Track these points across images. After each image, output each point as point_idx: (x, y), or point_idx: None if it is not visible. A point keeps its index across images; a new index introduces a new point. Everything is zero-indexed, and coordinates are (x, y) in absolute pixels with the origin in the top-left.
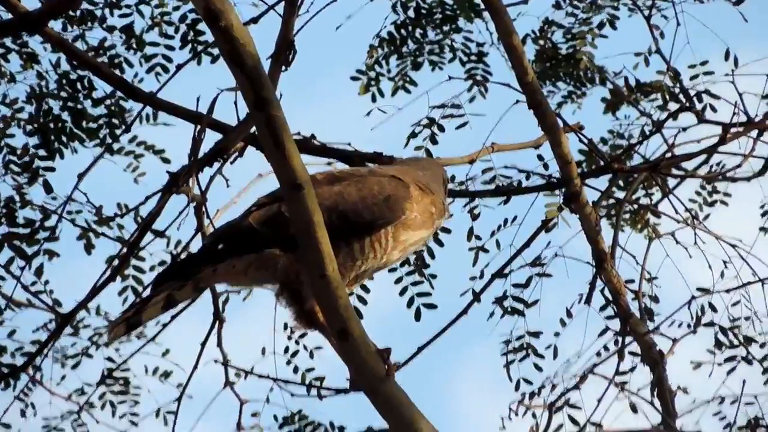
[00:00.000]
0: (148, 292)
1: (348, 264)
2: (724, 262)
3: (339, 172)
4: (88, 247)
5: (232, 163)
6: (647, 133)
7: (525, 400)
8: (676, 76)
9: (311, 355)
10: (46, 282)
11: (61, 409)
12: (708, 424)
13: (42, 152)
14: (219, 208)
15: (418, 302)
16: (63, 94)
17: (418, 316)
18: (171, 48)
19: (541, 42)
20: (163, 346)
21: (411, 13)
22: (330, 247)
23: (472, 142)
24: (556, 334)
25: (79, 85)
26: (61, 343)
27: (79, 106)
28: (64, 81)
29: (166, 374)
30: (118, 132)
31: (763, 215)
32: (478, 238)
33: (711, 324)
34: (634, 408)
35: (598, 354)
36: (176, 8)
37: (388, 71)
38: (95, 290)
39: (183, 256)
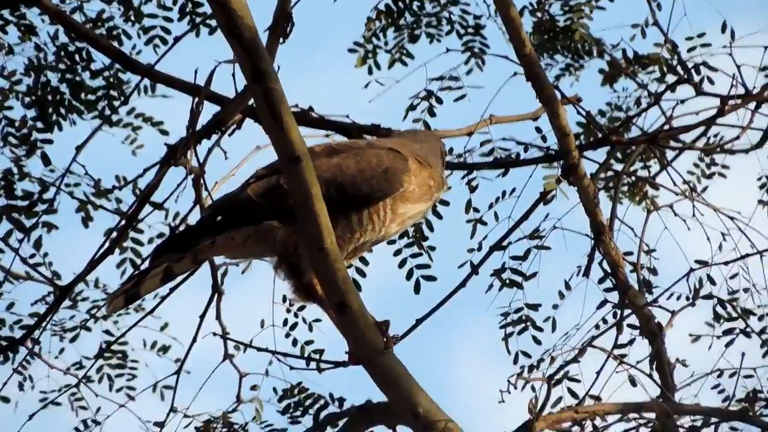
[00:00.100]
0: (146, 264)
1: (346, 236)
2: (723, 235)
3: (337, 145)
4: (87, 220)
5: (230, 135)
6: (645, 105)
7: (524, 373)
8: (673, 48)
9: (310, 328)
10: (45, 254)
11: (59, 383)
12: (707, 396)
13: (40, 124)
14: (217, 181)
15: (417, 274)
16: (61, 66)
17: (417, 289)
18: (169, 20)
19: (539, 14)
20: (161, 319)
21: None
22: (328, 220)
23: (470, 114)
24: (555, 307)
25: (77, 57)
26: (59, 316)
27: (77, 79)
28: (62, 53)
29: (165, 348)
30: (116, 104)
31: (761, 187)
32: (476, 210)
33: (709, 296)
34: (632, 381)
35: (597, 327)
36: None
37: (386, 44)
38: (93, 263)
39: (181, 228)
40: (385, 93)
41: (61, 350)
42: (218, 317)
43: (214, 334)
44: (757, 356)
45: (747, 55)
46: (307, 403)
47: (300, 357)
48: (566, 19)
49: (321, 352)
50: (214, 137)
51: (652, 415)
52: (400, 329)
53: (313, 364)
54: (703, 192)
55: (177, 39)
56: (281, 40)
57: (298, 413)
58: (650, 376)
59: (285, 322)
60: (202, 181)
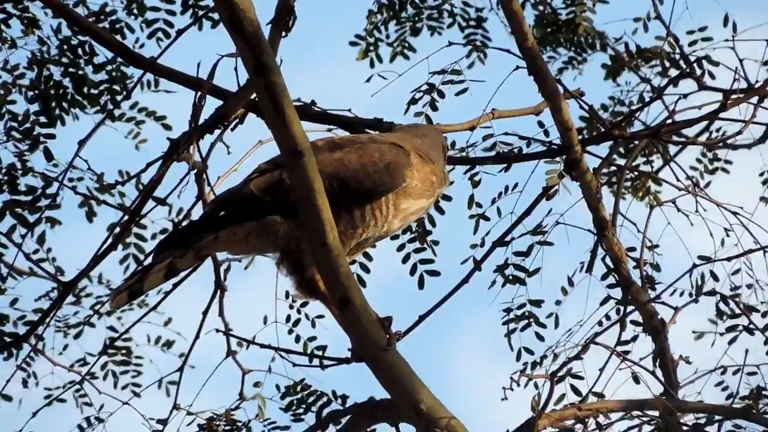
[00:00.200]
0: (149, 260)
1: (349, 232)
2: (726, 230)
3: (339, 139)
4: (90, 215)
5: (232, 129)
6: (647, 99)
7: (526, 370)
8: (675, 42)
9: (313, 324)
10: (48, 250)
11: (63, 379)
12: (710, 394)
13: (43, 119)
14: (220, 175)
15: (421, 269)
16: (64, 59)
17: (421, 284)
18: (172, 13)
19: (541, 7)
20: (165, 315)
21: None
22: (331, 215)
23: (472, 108)
24: (558, 303)
25: (80, 51)
26: (63, 312)
27: (80, 72)
28: (65, 47)
29: (169, 344)
30: (119, 98)
31: (764, 183)
32: (479, 205)
33: (713, 293)
34: (636, 378)
35: (600, 323)
36: None
37: (387, 37)
38: (97, 258)
39: (185, 223)
40: (387, 87)
41: (65, 346)
42: (221, 314)
43: (217, 330)
44: (761, 353)
45: (749, 49)
46: (310, 400)
47: (303, 354)
48: (569, 12)
49: (324, 348)
50: (217, 132)
51: (655, 413)
52: (402, 325)
53: (316, 361)
54: (706, 187)
55: (179, 32)
56: (283, 33)
57: (301, 410)
58: (653, 373)
59: (288, 319)
60: (204, 176)
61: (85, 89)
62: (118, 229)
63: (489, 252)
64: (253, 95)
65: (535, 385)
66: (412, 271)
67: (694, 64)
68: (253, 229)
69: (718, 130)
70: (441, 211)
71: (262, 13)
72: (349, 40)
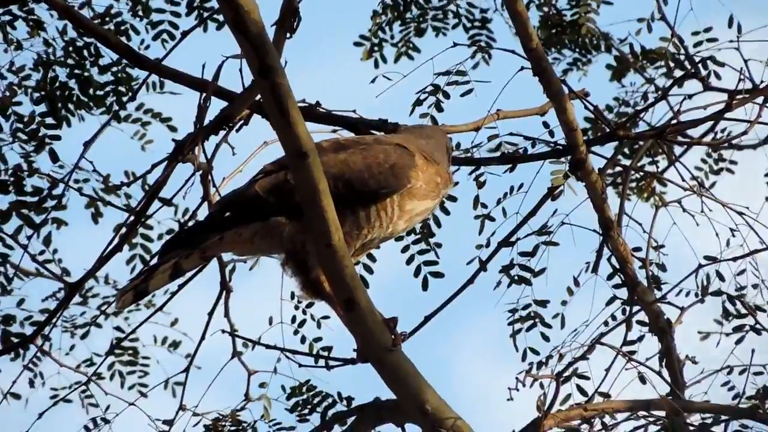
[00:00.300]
0: (155, 260)
1: (354, 233)
2: (731, 230)
3: (344, 140)
4: (96, 216)
5: (237, 131)
6: (652, 100)
7: (532, 370)
8: (680, 42)
9: (318, 325)
10: (55, 251)
11: (69, 380)
12: (716, 394)
13: (49, 120)
14: (225, 177)
15: (425, 271)
16: (70, 61)
17: (425, 286)
18: (177, 15)
19: (546, 8)
20: (171, 315)
21: None
22: (336, 216)
23: (477, 109)
24: (563, 303)
25: (85, 53)
26: (70, 313)
27: (85, 74)
28: (70, 48)
29: (175, 344)
30: (124, 100)
31: None
32: (484, 206)
33: (718, 293)
34: (642, 378)
35: (606, 323)
36: None
37: (392, 37)
38: (103, 259)
39: (190, 224)
40: (392, 87)
41: (72, 347)
42: (227, 314)
43: (223, 331)
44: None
45: (754, 49)
46: (316, 400)
47: (308, 354)
48: (573, 13)
49: (329, 349)
50: (222, 133)
51: (661, 413)
52: (406, 326)
53: (321, 362)
54: (711, 188)
55: (184, 34)
56: (288, 35)
57: (307, 411)
58: (660, 373)
59: (293, 320)
60: (209, 177)
61: (91, 91)
62: (124, 230)
63: (494, 252)
64: (258, 96)
65: (541, 386)
66: (416, 273)
67: (699, 65)
68: (258, 230)
69: (723, 131)
70: (446, 212)
71: (267, 15)
72: (354, 41)
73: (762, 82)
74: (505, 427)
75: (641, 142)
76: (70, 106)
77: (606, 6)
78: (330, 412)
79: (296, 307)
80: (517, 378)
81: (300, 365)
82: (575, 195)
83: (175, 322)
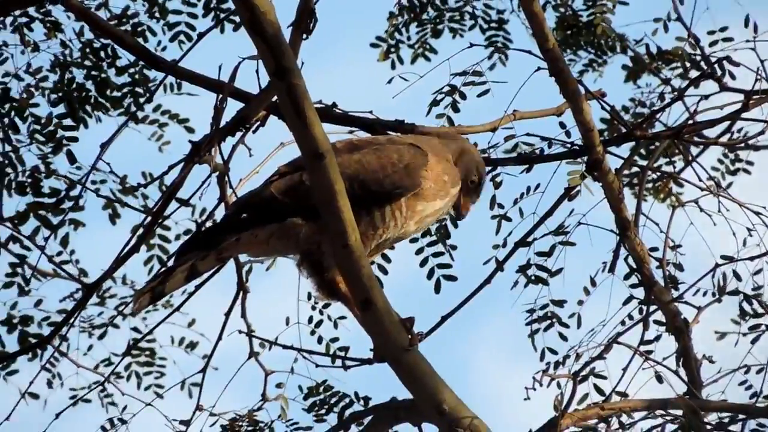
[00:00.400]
0: (171, 262)
1: (369, 233)
2: (748, 230)
3: (358, 141)
4: (114, 217)
5: (254, 132)
6: (668, 100)
7: (549, 369)
8: (696, 42)
9: (335, 325)
10: (72, 252)
11: (88, 380)
12: (734, 393)
13: (66, 122)
14: (242, 178)
15: (438, 274)
16: (87, 62)
17: (438, 288)
18: (194, 16)
19: (562, 9)
20: (188, 316)
21: None
22: (352, 217)
23: (494, 109)
24: (580, 303)
25: (102, 54)
26: (87, 313)
27: (102, 76)
28: (87, 50)
29: (192, 345)
30: (141, 101)
31: None
32: (501, 206)
33: (735, 292)
34: (659, 377)
35: (623, 323)
36: None
37: (408, 38)
38: (120, 260)
39: (208, 225)
40: (408, 88)
41: (90, 347)
42: (243, 315)
43: (240, 331)
44: None
45: None
46: (333, 400)
47: (325, 354)
48: (589, 14)
49: (346, 349)
50: (239, 134)
51: (678, 412)
52: (423, 326)
53: (338, 362)
54: (728, 188)
55: (201, 35)
56: (304, 36)
57: (324, 411)
58: (677, 372)
59: (310, 320)
60: (226, 179)
61: (108, 92)
62: (141, 231)
63: (511, 252)
64: (275, 98)
65: (558, 385)
66: (429, 275)
67: (715, 65)
68: (274, 232)
69: (739, 131)
70: None
71: (283, 16)
72: (370, 42)
73: None
74: (521, 426)
75: (658, 143)
76: (88, 108)
77: (622, 6)
78: (347, 412)
79: (313, 308)
80: (534, 378)
81: (317, 365)
82: (592, 195)
83: (192, 323)
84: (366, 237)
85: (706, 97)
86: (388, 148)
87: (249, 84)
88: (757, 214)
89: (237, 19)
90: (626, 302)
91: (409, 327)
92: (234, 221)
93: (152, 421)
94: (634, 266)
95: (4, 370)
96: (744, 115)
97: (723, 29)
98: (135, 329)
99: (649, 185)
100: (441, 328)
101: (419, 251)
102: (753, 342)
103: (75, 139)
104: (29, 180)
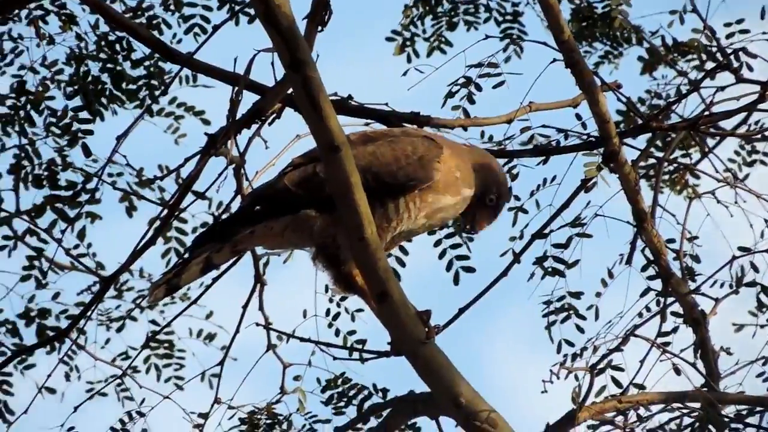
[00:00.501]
0: (187, 254)
1: (384, 225)
2: (766, 221)
3: (372, 133)
4: (131, 210)
5: (270, 124)
6: (684, 92)
7: (566, 362)
8: (712, 34)
9: (353, 318)
10: (89, 245)
11: (105, 373)
12: (751, 385)
13: (82, 114)
14: (258, 170)
15: (457, 265)
16: (102, 55)
17: (456, 280)
18: (209, 8)
19: (577, 1)
20: (206, 308)
21: None
22: (368, 209)
23: (510, 101)
24: (598, 295)
25: (117, 47)
26: (105, 306)
27: (118, 68)
28: (102, 43)
29: (210, 337)
30: (157, 93)
31: None
32: (517, 198)
33: (753, 284)
34: (676, 369)
35: (640, 315)
36: None
37: (423, 32)
38: (137, 253)
39: (224, 217)
40: (424, 80)
41: (108, 340)
42: (261, 308)
43: (257, 324)
44: None
45: None
46: (351, 393)
47: (343, 347)
48: (604, 6)
49: (363, 342)
50: (254, 126)
51: (696, 404)
52: (439, 319)
53: (355, 355)
54: (745, 179)
55: (216, 28)
56: (319, 28)
57: (342, 404)
58: (694, 364)
59: (327, 312)
60: (242, 171)
61: (124, 85)
62: (157, 223)
63: (528, 244)
64: (290, 90)
65: (576, 378)
66: (448, 267)
67: (732, 56)
68: (288, 224)
69: (756, 122)
70: None
71: (298, 8)
72: (386, 36)
73: None
74: (539, 419)
75: (674, 134)
76: (103, 101)
77: None
78: (366, 405)
79: (330, 300)
80: (551, 370)
81: (334, 358)
82: (608, 187)
83: (210, 315)
84: (381, 229)
85: (723, 88)
86: (402, 140)
87: (264, 76)
88: None
89: (252, 11)
90: (643, 294)
91: (425, 320)
92: (248, 213)
93: (171, 414)
94: (651, 258)
95: (22, 363)
96: (760, 106)
97: (739, 21)
98: (153, 322)
99: (666, 177)
100: (457, 320)
101: (437, 243)
102: None
103: (91, 132)
104: (46, 173)
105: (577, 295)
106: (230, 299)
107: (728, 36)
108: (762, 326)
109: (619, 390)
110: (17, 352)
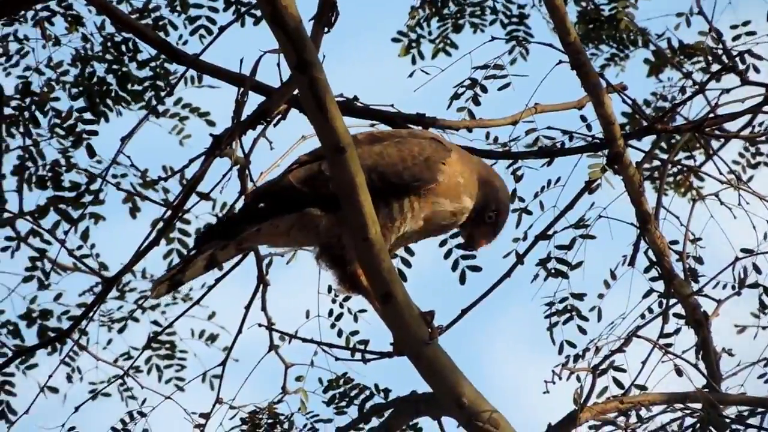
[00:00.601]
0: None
1: (389, 225)
2: None
3: (379, 133)
4: (134, 211)
5: (275, 125)
6: (690, 94)
7: (569, 363)
8: (718, 36)
9: (355, 319)
10: (92, 246)
11: (107, 374)
12: (753, 386)
13: (87, 115)
14: (262, 171)
15: (463, 265)
16: (108, 56)
17: (463, 280)
18: (215, 10)
19: (583, 3)
20: (208, 309)
21: None
22: (373, 210)
23: (515, 103)
24: (600, 296)
25: (123, 48)
26: (107, 307)
27: (123, 69)
28: (108, 43)
29: (212, 337)
30: (162, 94)
31: None
32: (522, 199)
33: (755, 285)
34: (678, 371)
35: (643, 316)
36: None
37: (429, 33)
38: (140, 254)
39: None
40: (430, 82)
41: (110, 341)
42: (263, 308)
43: (260, 325)
44: None
45: None
46: (353, 393)
47: (345, 348)
48: (611, 8)
49: (366, 342)
50: (260, 127)
51: (698, 405)
52: (441, 319)
53: (358, 355)
54: (748, 181)
55: (222, 29)
56: (326, 29)
57: (344, 404)
58: (696, 365)
59: (330, 313)
60: (247, 172)
61: (129, 86)
62: (161, 224)
63: (531, 245)
64: (296, 91)
65: (578, 378)
66: (454, 267)
67: (737, 59)
68: (294, 222)
69: (761, 124)
70: None
71: (305, 9)
72: (392, 37)
73: None
74: (540, 420)
75: (679, 136)
76: (108, 102)
77: (644, 0)
78: (368, 405)
79: (333, 301)
80: (553, 371)
81: (337, 358)
82: (612, 188)
83: (212, 316)
84: (386, 230)
85: (728, 90)
86: (409, 141)
87: (270, 77)
88: None
89: (258, 12)
90: (646, 295)
91: (429, 320)
92: (253, 210)
93: (172, 415)
94: (654, 259)
95: (24, 363)
96: (765, 108)
97: (746, 23)
98: (155, 322)
99: (670, 179)
100: (460, 321)
101: (443, 243)
102: None
103: (95, 133)
104: (49, 174)
105: (579, 296)
106: (233, 300)
107: (734, 38)
108: (764, 328)
109: (621, 391)
110: (18, 353)
